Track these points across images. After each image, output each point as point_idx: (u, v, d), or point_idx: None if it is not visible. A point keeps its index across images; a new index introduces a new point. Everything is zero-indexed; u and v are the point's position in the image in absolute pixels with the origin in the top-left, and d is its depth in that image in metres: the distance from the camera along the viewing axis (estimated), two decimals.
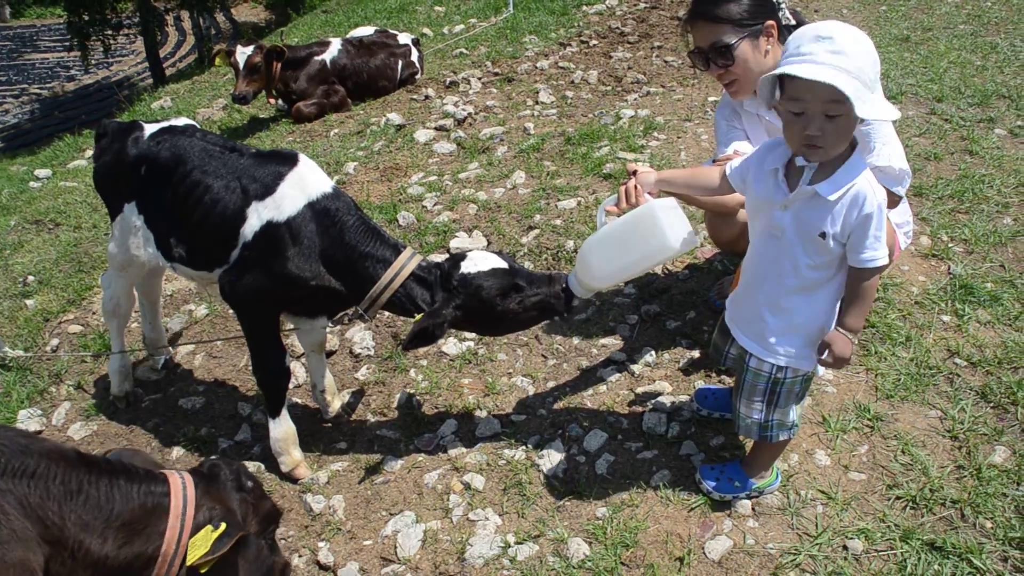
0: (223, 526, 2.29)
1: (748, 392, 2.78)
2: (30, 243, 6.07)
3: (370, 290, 3.07)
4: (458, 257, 3.09)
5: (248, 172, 3.15)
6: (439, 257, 4.60)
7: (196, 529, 2.29)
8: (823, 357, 2.53)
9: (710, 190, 2.85)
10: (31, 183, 7.57)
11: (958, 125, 5.56)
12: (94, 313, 5.07)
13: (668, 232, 2.71)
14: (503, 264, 3.06)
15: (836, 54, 2.19)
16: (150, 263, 3.52)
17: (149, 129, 3.45)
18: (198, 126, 3.55)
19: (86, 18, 20.96)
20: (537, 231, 4.85)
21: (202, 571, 2.28)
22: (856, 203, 2.33)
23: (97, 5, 20.82)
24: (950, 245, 4.34)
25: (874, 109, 2.18)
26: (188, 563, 2.25)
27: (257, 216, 3.09)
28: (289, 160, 3.17)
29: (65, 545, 2.09)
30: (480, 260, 3.05)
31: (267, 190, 3.09)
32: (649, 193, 2.88)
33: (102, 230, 6.05)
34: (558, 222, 4.90)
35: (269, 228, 3.07)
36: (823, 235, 2.40)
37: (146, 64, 23.86)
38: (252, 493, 2.45)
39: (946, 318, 3.83)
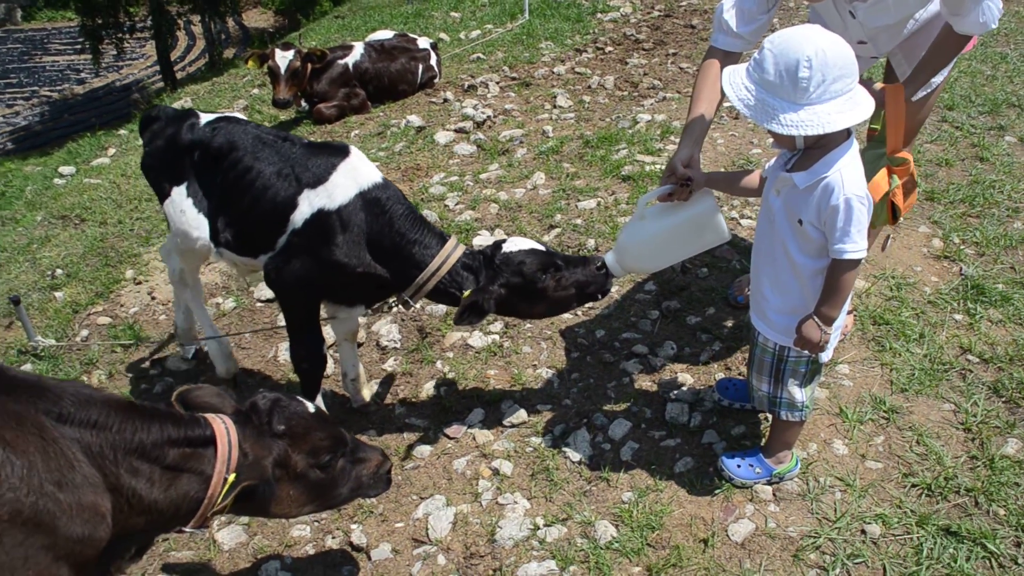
0: (231, 477, 2.40)
1: (757, 366, 2.99)
2: (56, 237, 6.19)
3: (416, 277, 3.19)
4: (499, 242, 3.23)
5: (301, 161, 3.25)
6: None
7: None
8: (795, 340, 2.73)
9: (750, 191, 3.04)
10: (55, 180, 7.70)
11: (969, 132, 5.68)
12: (122, 306, 5.18)
13: (721, 226, 3.02)
14: (540, 247, 3.23)
15: (759, 68, 2.41)
16: (201, 249, 3.59)
17: (205, 117, 3.55)
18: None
19: (99, 21, 21.11)
20: (558, 230, 4.97)
21: (225, 511, 2.46)
22: (825, 194, 2.51)
23: (110, 9, 20.97)
24: (962, 248, 4.45)
25: (786, 122, 2.38)
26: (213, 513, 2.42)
27: (308, 204, 3.19)
28: (341, 151, 3.28)
29: (121, 492, 2.18)
30: (520, 243, 3.21)
31: (319, 179, 3.19)
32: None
33: (127, 226, 6.18)
34: (579, 221, 5.02)
35: (320, 216, 3.17)
36: (800, 222, 2.60)
37: (156, 68, 24.02)
38: (288, 434, 2.51)
39: (958, 317, 3.94)
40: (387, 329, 4.38)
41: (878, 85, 3.02)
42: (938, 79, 3.30)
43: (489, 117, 6.84)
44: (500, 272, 3.15)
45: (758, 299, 2.92)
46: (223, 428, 2.43)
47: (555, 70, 7.86)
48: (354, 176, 3.21)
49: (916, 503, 3.02)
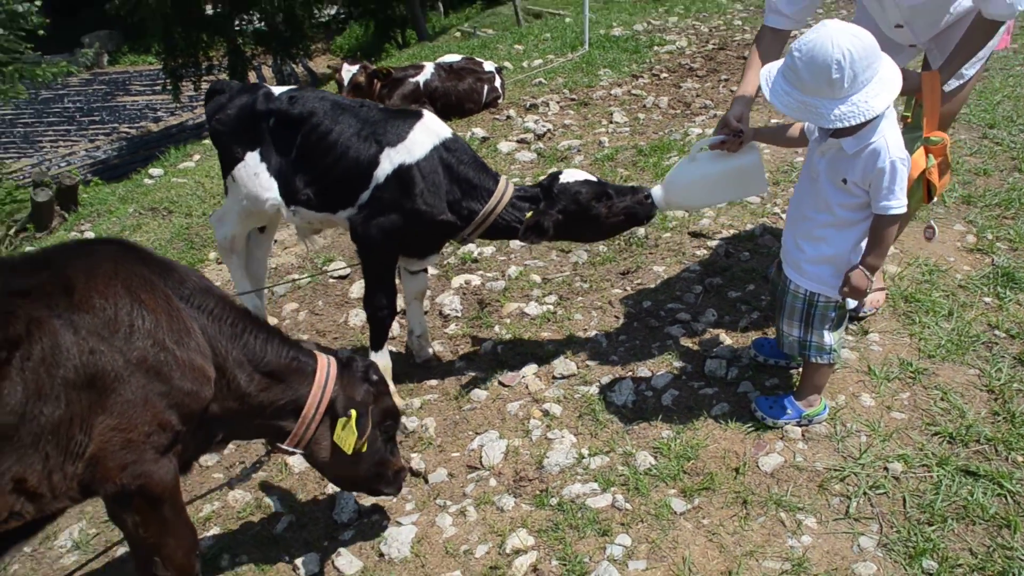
0: (353, 413, 2.76)
1: (788, 312, 3.27)
2: (147, 225, 6.74)
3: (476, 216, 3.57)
4: (555, 174, 3.62)
5: (380, 123, 3.62)
6: None
7: (329, 404, 2.78)
8: (843, 288, 3.01)
9: (792, 141, 3.42)
10: (146, 180, 8.32)
11: (1008, 147, 5.89)
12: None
13: (763, 179, 3.45)
14: (593, 178, 3.62)
15: (794, 74, 2.74)
16: (269, 209, 3.86)
17: (278, 90, 3.86)
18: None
19: (180, 62, 22.51)
20: None
21: (363, 450, 2.82)
22: (872, 158, 2.84)
23: (191, 50, 22.35)
24: (995, 243, 4.66)
25: (833, 117, 2.70)
26: (349, 451, 2.76)
27: (390, 161, 3.54)
28: (416, 114, 3.68)
29: (224, 374, 2.55)
30: (575, 174, 3.61)
31: (399, 137, 3.56)
32: None
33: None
34: None
35: (401, 170, 3.53)
36: (844, 181, 2.94)
37: None
38: (376, 387, 2.89)
39: (988, 299, 4.14)
40: (450, 299, 4.75)
41: (910, 65, 3.34)
42: (970, 71, 3.57)
43: (549, 130, 7.26)
44: (558, 200, 3.53)
45: (792, 251, 3.22)
46: (325, 361, 2.83)
47: (612, 92, 8.29)
48: (429, 132, 3.60)
49: (938, 448, 3.23)
